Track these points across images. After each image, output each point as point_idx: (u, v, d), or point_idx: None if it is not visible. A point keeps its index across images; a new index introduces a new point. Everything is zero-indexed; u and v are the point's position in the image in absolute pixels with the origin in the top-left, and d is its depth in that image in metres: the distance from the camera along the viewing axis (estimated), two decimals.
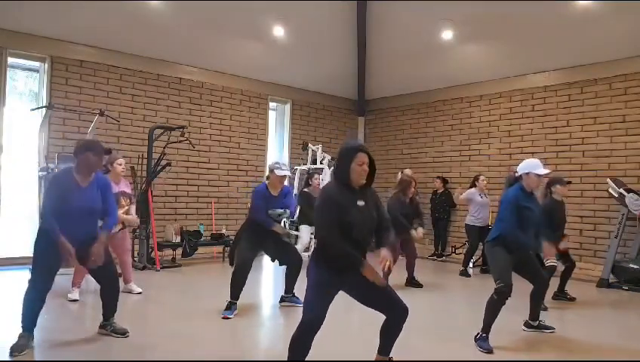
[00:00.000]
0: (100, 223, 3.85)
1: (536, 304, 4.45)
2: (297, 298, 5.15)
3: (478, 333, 4.01)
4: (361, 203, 2.89)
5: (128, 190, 5.60)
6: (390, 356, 3.14)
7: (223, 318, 4.60)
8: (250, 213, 5.07)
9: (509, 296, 3.94)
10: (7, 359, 3.41)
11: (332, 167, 8.84)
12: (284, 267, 5.19)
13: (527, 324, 4.51)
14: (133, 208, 5.59)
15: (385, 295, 2.98)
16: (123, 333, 3.93)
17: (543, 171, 4.14)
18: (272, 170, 4.96)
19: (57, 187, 3.67)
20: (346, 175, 2.88)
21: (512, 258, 4.06)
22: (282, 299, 5.27)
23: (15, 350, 3.46)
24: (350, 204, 2.85)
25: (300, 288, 5.18)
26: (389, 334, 3.07)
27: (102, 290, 3.96)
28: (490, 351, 3.87)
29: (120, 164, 5.34)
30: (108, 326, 3.98)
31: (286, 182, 5.14)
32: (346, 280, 2.92)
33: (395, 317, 2.99)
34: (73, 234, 3.61)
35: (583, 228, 7.86)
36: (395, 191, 6.52)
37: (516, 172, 4.27)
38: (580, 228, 7.86)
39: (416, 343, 3.98)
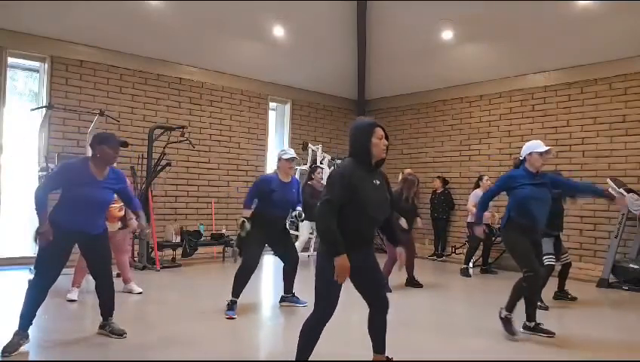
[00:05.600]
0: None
1: (530, 302, 4.34)
2: (297, 298, 5.18)
3: (501, 310, 4.16)
4: (377, 182, 2.90)
5: None
6: (390, 356, 3.14)
7: (228, 318, 4.59)
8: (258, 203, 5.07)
9: (539, 283, 4.10)
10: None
11: (332, 166, 8.86)
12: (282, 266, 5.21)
13: (524, 326, 4.35)
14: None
15: (375, 282, 3.05)
16: (120, 334, 3.93)
17: (544, 148, 4.23)
18: (279, 158, 5.02)
19: (71, 174, 3.64)
20: (367, 150, 2.84)
21: (529, 240, 4.15)
22: (282, 299, 5.27)
23: (6, 350, 3.44)
24: (366, 181, 2.84)
25: (300, 288, 5.20)
26: (376, 329, 3.11)
27: (97, 287, 3.98)
28: (513, 334, 4.08)
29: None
30: (107, 327, 3.98)
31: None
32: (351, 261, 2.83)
33: (376, 308, 3.05)
34: (81, 225, 3.65)
35: (583, 228, 7.85)
36: (397, 189, 6.49)
37: (520, 157, 4.36)
38: (580, 228, 7.86)
39: (416, 342, 3.98)
